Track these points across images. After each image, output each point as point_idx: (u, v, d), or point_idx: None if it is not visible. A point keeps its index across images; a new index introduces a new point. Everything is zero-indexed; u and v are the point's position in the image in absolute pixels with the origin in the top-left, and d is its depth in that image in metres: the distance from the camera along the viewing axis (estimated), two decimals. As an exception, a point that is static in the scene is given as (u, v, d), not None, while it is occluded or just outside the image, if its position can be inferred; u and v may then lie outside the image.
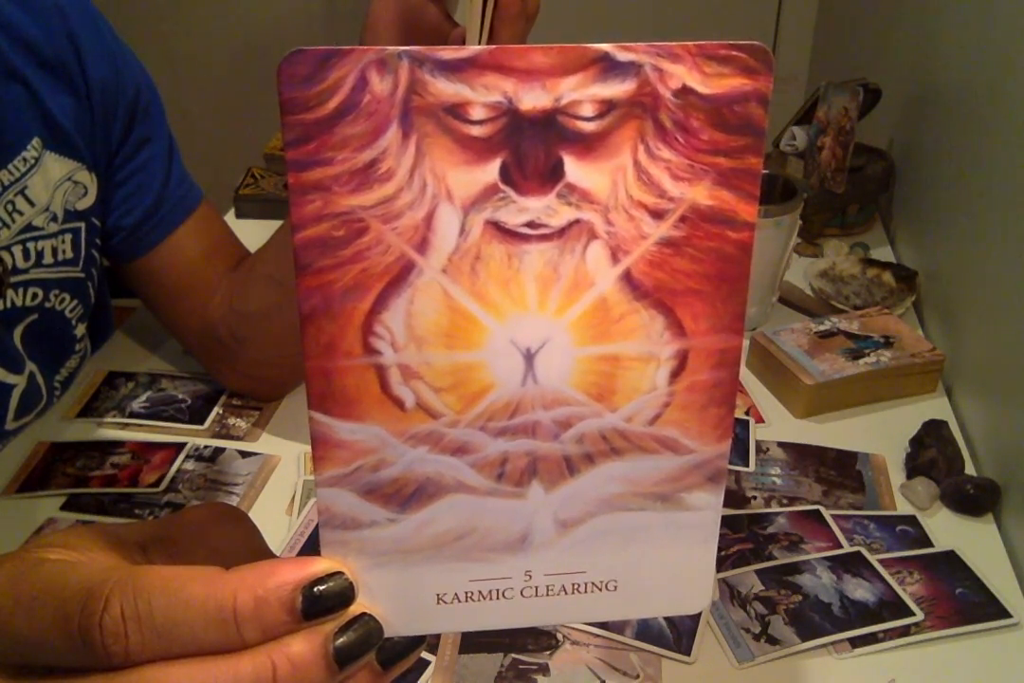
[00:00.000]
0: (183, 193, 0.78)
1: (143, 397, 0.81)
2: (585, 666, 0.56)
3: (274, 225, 0.79)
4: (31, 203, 0.67)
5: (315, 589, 0.26)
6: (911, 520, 0.68)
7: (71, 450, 0.75)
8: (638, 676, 0.56)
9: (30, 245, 0.68)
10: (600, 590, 0.29)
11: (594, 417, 0.27)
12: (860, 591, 0.61)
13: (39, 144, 0.67)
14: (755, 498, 0.70)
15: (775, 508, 0.69)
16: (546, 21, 0.61)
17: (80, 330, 0.77)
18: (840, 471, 0.73)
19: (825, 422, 0.79)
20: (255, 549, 0.30)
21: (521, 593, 0.29)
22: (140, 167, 0.75)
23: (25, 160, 0.66)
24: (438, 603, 0.29)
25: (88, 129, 0.70)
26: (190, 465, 0.73)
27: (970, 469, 0.73)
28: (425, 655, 0.57)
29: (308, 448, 0.27)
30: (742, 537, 0.66)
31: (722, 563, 0.64)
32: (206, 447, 0.75)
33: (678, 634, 0.58)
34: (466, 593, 0.29)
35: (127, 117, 0.73)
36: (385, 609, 0.28)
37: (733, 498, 0.70)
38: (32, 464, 0.73)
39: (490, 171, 0.25)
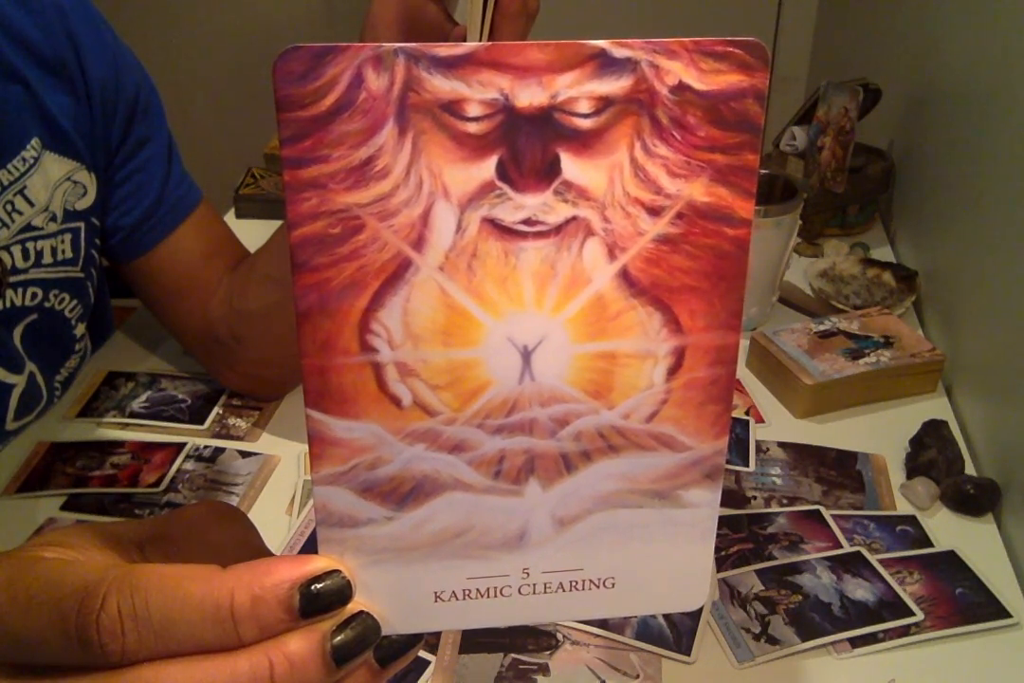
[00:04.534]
0: (182, 193, 0.78)
1: (143, 397, 0.81)
2: (585, 666, 0.56)
3: (274, 225, 0.80)
4: (30, 203, 0.67)
5: (312, 587, 0.26)
6: (911, 520, 0.68)
7: (71, 450, 0.75)
8: (638, 676, 0.56)
9: (29, 245, 0.68)
10: (598, 587, 0.29)
11: (591, 414, 0.27)
12: (860, 591, 0.61)
13: (38, 144, 0.67)
14: (755, 498, 0.70)
15: (775, 508, 0.69)
16: (545, 19, 0.61)
17: (80, 330, 0.77)
18: (840, 471, 0.73)
19: (825, 422, 0.79)
20: (252, 547, 0.30)
21: (519, 591, 0.29)
22: (139, 167, 0.75)
23: (24, 160, 0.66)
24: (436, 601, 0.29)
25: (87, 129, 0.70)
26: (190, 465, 0.73)
27: (970, 469, 0.73)
28: (425, 655, 0.57)
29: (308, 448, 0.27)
30: (742, 537, 0.66)
31: (722, 563, 0.64)
32: (206, 447, 0.75)
33: (678, 634, 0.58)
34: (464, 591, 0.29)
35: (127, 117, 0.73)
36: (383, 607, 0.28)
37: (733, 498, 0.70)
38: (32, 464, 0.73)
39: (486, 168, 0.25)
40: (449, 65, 0.24)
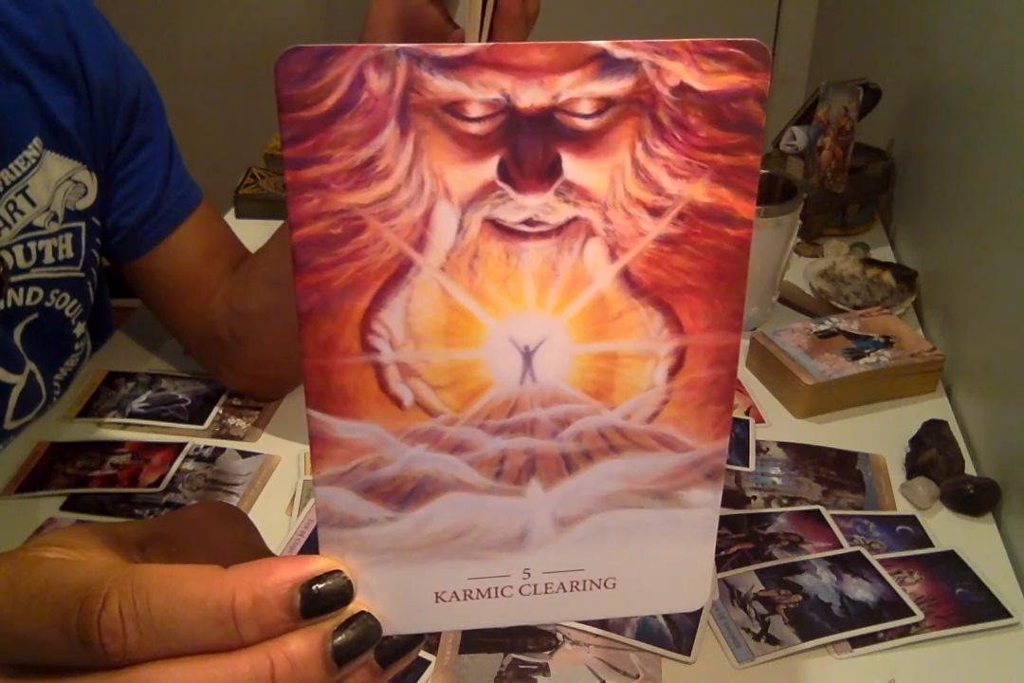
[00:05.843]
0: (183, 193, 0.78)
1: (143, 397, 0.81)
2: (585, 666, 0.56)
3: (274, 225, 0.79)
4: (32, 203, 0.67)
5: (314, 587, 0.26)
6: (911, 520, 0.68)
7: (71, 450, 0.75)
8: (638, 676, 0.56)
9: (31, 245, 0.68)
10: (599, 588, 0.29)
11: (592, 415, 0.27)
12: (860, 591, 0.61)
13: (40, 144, 0.67)
14: (755, 498, 0.70)
15: (775, 508, 0.69)
16: (545, 19, 0.61)
17: (80, 329, 0.77)
18: (840, 471, 0.73)
19: (825, 422, 0.79)
20: (253, 548, 0.30)
21: (520, 591, 0.29)
22: (140, 167, 0.75)
23: (26, 160, 0.66)
24: (437, 601, 0.29)
25: (88, 129, 0.70)
26: (190, 465, 0.73)
27: (970, 469, 0.73)
28: (425, 655, 0.57)
29: (308, 448, 0.27)
30: (742, 537, 0.66)
31: (722, 563, 0.64)
32: (206, 447, 0.75)
33: (678, 634, 0.58)
34: (465, 591, 0.29)
35: (127, 117, 0.73)
36: (384, 607, 0.28)
37: (733, 498, 0.70)
38: (32, 464, 0.73)
39: (488, 168, 0.25)
40: (451, 66, 0.24)
